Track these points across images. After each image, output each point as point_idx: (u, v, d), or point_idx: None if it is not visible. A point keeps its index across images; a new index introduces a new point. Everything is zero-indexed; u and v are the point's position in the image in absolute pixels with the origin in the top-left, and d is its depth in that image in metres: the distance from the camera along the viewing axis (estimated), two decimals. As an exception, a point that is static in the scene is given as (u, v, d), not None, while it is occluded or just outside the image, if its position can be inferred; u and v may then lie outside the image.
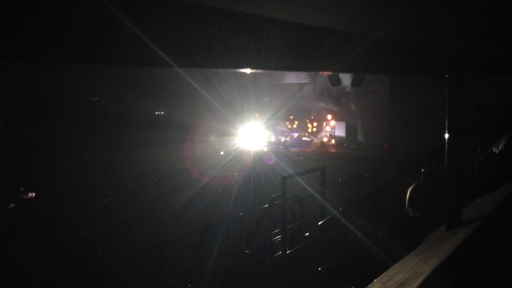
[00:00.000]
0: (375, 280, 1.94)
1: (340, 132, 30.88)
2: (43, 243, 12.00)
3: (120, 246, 10.23)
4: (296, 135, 32.80)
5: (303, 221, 7.76)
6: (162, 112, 36.05)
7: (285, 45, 1.46)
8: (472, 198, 3.10)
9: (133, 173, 22.34)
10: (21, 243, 12.00)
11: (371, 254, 3.62)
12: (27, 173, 21.76)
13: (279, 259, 6.67)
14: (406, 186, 3.58)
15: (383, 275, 1.97)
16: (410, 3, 1.86)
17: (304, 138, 32.31)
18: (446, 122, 2.26)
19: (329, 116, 31.42)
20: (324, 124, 32.00)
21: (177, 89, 28.91)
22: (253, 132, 31.79)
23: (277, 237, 7.20)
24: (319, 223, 6.56)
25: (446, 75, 2.27)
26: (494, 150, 3.70)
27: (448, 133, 2.26)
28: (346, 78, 27.96)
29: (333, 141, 30.73)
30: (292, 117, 34.30)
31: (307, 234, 7.58)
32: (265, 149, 30.10)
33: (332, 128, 31.24)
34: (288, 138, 32.62)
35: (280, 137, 33.01)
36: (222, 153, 27.96)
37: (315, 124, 33.38)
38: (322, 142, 31.30)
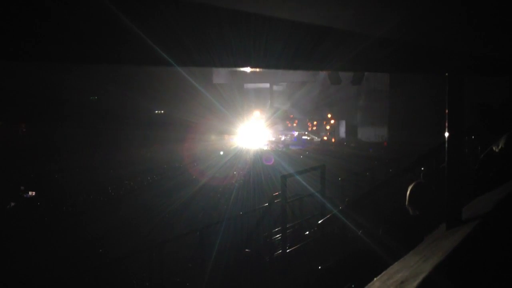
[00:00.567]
0: (375, 279, 1.94)
1: (340, 130, 30.89)
2: (43, 243, 12.00)
3: (120, 244, 10.24)
4: (296, 133, 32.82)
5: (303, 220, 7.77)
6: (162, 111, 36.05)
7: (285, 43, 1.46)
8: (472, 197, 3.10)
9: (133, 171, 22.33)
10: (21, 243, 12.01)
11: (371, 252, 3.62)
12: (27, 172, 21.76)
13: (279, 258, 6.68)
14: (406, 184, 3.58)
15: (383, 273, 1.98)
16: (410, 1, 1.86)
17: (304, 137, 32.33)
18: (446, 121, 2.26)
19: (329, 115, 31.44)
20: (324, 122, 32.00)
21: (177, 88, 28.93)
22: (253, 131, 31.79)
23: (277, 235, 7.21)
24: (319, 221, 6.57)
25: (446, 74, 2.27)
26: (494, 149, 3.70)
27: (448, 132, 2.26)
28: (346, 77, 27.94)
29: (333, 140, 30.73)
30: (292, 116, 34.31)
31: (307, 232, 7.59)
32: (265, 147, 30.09)
33: (332, 127, 31.24)
34: (288, 137, 32.64)
35: (280, 136, 33.02)
36: (221, 153, 27.95)
37: (315, 122, 33.39)
38: (322, 141, 31.30)
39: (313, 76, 31.97)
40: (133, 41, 1.04)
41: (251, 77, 33.16)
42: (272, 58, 1.47)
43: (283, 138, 32.48)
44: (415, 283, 1.39)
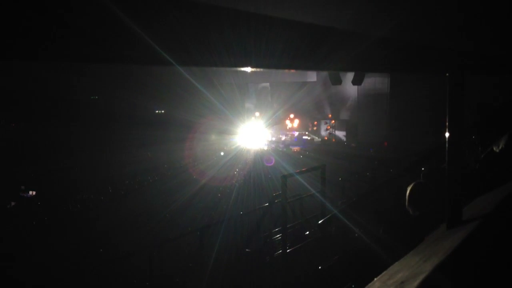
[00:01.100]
0: (375, 279, 1.94)
1: (341, 130, 30.87)
2: (43, 242, 12.02)
3: (120, 244, 10.24)
4: (296, 133, 32.82)
5: (303, 220, 7.77)
6: (163, 111, 36.06)
7: (285, 44, 1.46)
8: (473, 197, 3.10)
9: (133, 171, 22.34)
10: (21, 242, 12.02)
11: (371, 252, 3.62)
12: (27, 172, 21.77)
13: (279, 258, 6.68)
14: (406, 184, 3.58)
15: (383, 273, 1.98)
16: (411, 2, 1.86)
17: (304, 137, 32.32)
18: (447, 120, 2.26)
19: (330, 115, 31.43)
20: (325, 122, 32.00)
21: (177, 88, 28.92)
22: (253, 130, 31.79)
23: (278, 235, 7.21)
24: (320, 221, 6.56)
25: (447, 74, 2.27)
26: (494, 148, 3.70)
27: (449, 131, 2.26)
28: (346, 77, 27.95)
29: (333, 140, 30.72)
30: (292, 116, 34.30)
31: (307, 232, 7.59)
32: (266, 147, 30.08)
33: (332, 127, 31.23)
34: (288, 137, 32.64)
35: (280, 136, 33.01)
36: (222, 153, 27.95)
37: (315, 122, 33.38)
38: (322, 141, 31.30)
39: (314, 76, 31.99)
40: (135, 41, 1.04)
41: (252, 77, 33.16)
42: (273, 58, 1.47)
43: (283, 138, 32.48)
44: (416, 283, 1.39)
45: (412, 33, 2.02)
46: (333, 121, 31.22)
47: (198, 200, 15.52)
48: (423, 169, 5.80)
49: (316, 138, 32.29)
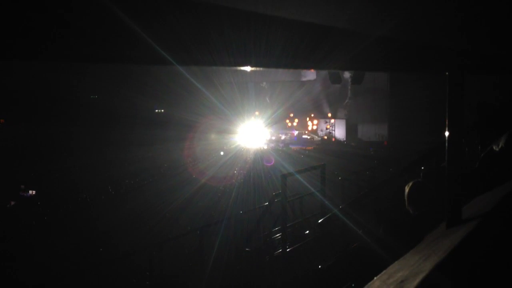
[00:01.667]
0: (375, 278, 1.95)
1: (340, 130, 30.87)
2: (43, 242, 12.02)
3: (120, 244, 10.24)
4: (296, 133, 32.81)
5: (303, 219, 7.77)
6: (162, 110, 36.07)
7: (285, 43, 1.46)
8: (472, 196, 3.10)
9: (133, 171, 22.34)
10: (21, 242, 12.02)
11: (371, 252, 3.63)
12: (27, 171, 21.76)
13: (279, 257, 6.68)
14: (406, 184, 3.58)
15: (383, 273, 1.98)
16: (411, 1, 1.86)
17: (304, 136, 32.31)
18: (446, 120, 2.26)
19: (329, 114, 31.42)
20: (324, 122, 31.98)
21: (177, 87, 28.93)
22: (253, 130, 31.78)
23: (277, 235, 7.21)
24: (319, 221, 6.56)
25: (447, 73, 2.27)
26: (494, 148, 3.70)
27: (448, 131, 2.26)
28: (346, 76, 27.95)
29: (333, 139, 30.72)
30: (292, 115, 34.29)
31: (307, 232, 7.59)
32: (265, 147, 30.08)
33: (332, 126, 31.22)
34: (288, 136, 32.63)
35: (280, 135, 33.01)
36: (222, 153, 27.95)
37: (315, 122, 33.37)
38: (322, 140, 31.29)
39: (313, 75, 31.96)
40: (135, 40, 1.04)
41: (251, 76, 33.14)
42: (273, 57, 1.47)
43: (283, 137, 32.48)
44: (415, 282, 1.39)
45: (412, 32, 2.02)
46: (333, 120, 31.22)
47: (198, 200, 15.53)
48: (423, 168, 5.80)
49: (316, 137, 32.29)
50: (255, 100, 34.68)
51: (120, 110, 30.25)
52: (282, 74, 32.32)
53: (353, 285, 4.54)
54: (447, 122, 2.26)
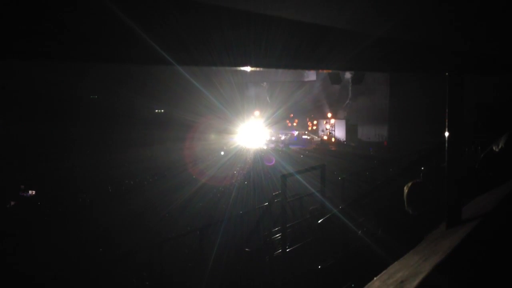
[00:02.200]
0: (375, 278, 1.95)
1: (340, 130, 30.87)
2: (42, 242, 12.01)
3: (120, 244, 10.25)
4: (296, 133, 32.81)
5: (303, 219, 7.77)
6: (162, 110, 36.07)
7: (285, 43, 1.46)
8: (472, 196, 3.10)
9: (133, 170, 22.34)
10: (21, 242, 12.02)
11: (371, 252, 3.63)
12: (27, 171, 21.76)
13: (279, 257, 6.68)
14: (406, 184, 3.58)
15: (383, 273, 1.98)
16: (410, 1, 1.86)
17: (304, 136, 32.32)
18: (446, 120, 2.26)
19: (329, 114, 31.41)
20: (324, 122, 31.98)
21: (177, 87, 28.94)
22: (253, 130, 31.78)
23: (277, 235, 7.21)
24: (319, 221, 6.56)
25: (446, 74, 2.27)
26: (494, 148, 3.71)
27: (448, 131, 2.26)
28: (347, 77, 27.97)
29: (332, 139, 30.72)
30: (292, 115, 34.30)
31: (307, 232, 7.58)
32: (265, 147, 30.08)
33: (332, 126, 31.21)
34: (288, 136, 32.63)
35: (280, 135, 33.01)
36: (222, 153, 27.94)
37: (315, 122, 33.38)
38: (322, 140, 31.29)
39: (313, 75, 31.97)
40: (134, 40, 1.04)
41: (251, 76, 33.15)
42: (272, 57, 1.47)
43: (283, 137, 32.48)
44: (415, 283, 1.39)
45: (412, 33, 2.02)
46: (333, 120, 31.22)
47: (198, 200, 15.54)
48: (422, 168, 5.81)
49: (316, 138, 32.29)
50: (255, 100, 34.69)
51: (120, 110, 30.27)
52: (282, 74, 32.31)
53: (353, 285, 4.54)
54: (446, 122, 2.26)
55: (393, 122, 26.22)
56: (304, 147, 29.10)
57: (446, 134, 2.27)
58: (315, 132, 33.07)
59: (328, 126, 31.34)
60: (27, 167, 22.24)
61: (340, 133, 30.71)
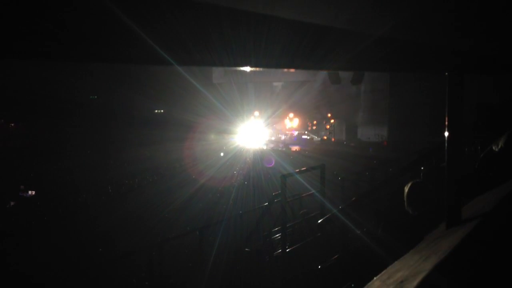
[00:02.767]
0: (374, 278, 1.95)
1: (340, 130, 30.88)
2: (43, 242, 12.01)
3: (120, 244, 10.24)
4: (296, 133, 32.82)
5: (302, 220, 7.76)
6: (162, 111, 36.08)
7: (284, 43, 1.46)
8: (472, 196, 3.10)
9: (133, 171, 22.33)
10: (20, 241, 12.01)
11: (370, 252, 3.63)
12: (27, 171, 21.76)
13: (279, 257, 6.68)
14: (405, 184, 3.58)
15: (382, 273, 1.98)
16: (410, 1, 1.86)
17: (304, 136, 32.34)
18: (446, 120, 2.26)
19: (329, 114, 31.43)
20: (324, 122, 32.00)
21: (176, 87, 28.97)
22: (253, 130, 31.78)
23: (277, 235, 7.21)
24: (319, 221, 6.56)
25: (446, 73, 2.27)
26: (493, 148, 3.70)
27: (448, 131, 2.26)
28: (346, 76, 27.95)
29: (332, 139, 30.73)
30: (292, 115, 34.30)
31: (307, 232, 7.58)
32: (265, 147, 30.08)
33: (332, 126, 31.24)
34: (288, 136, 32.64)
35: (280, 135, 33.02)
36: (222, 154, 27.93)
37: (314, 122, 33.39)
38: (321, 140, 31.31)
39: (313, 76, 31.96)
40: (134, 40, 1.04)
41: (252, 76, 33.13)
42: (272, 57, 1.46)
43: (283, 137, 32.48)
44: (415, 282, 1.39)
45: (412, 32, 2.02)
46: (333, 121, 31.23)
47: (197, 200, 15.54)
48: (422, 168, 5.81)
49: (316, 138, 32.31)
50: (255, 100, 34.70)
51: (120, 111, 30.29)
52: (282, 74, 32.29)
53: (353, 285, 4.54)
54: (446, 122, 2.26)
55: (393, 122, 26.22)
56: (304, 147, 29.09)
57: (446, 134, 2.27)
58: (315, 132, 33.07)
59: (328, 126, 31.35)
60: (27, 167, 22.24)
61: (339, 133, 30.72)
